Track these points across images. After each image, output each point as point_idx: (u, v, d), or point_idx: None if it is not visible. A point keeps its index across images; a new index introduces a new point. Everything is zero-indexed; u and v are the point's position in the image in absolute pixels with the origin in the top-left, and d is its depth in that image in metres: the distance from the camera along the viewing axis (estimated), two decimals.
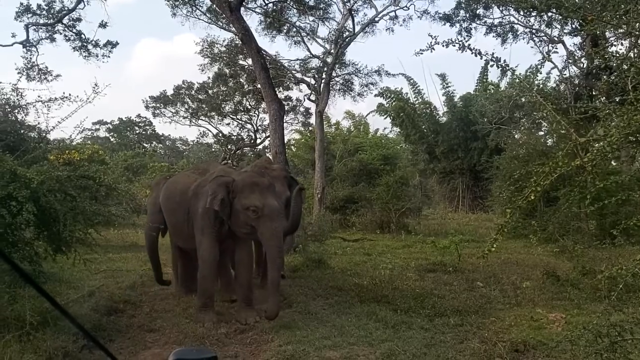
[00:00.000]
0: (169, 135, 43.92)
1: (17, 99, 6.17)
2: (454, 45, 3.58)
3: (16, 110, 6.16)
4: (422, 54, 3.85)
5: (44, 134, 6.30)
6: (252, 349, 5.57)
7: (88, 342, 5.20)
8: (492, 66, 3.78)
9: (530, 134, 17.26)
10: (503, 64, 3.73)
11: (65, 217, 5.38)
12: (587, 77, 14.56)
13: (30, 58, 15.98)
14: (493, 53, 3.66)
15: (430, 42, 3.66)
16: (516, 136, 19.08)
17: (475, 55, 3.58)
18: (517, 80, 13.03)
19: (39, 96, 6.04)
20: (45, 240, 5.71)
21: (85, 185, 6.07)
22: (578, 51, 15.19)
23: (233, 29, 15.37)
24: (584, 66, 14.69)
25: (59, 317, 5.43)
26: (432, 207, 24.86)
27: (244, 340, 5.82)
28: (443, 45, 3.62)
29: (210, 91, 28.86)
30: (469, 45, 3.62)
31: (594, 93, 13.86)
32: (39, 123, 6.24)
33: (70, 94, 6.20)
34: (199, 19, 19.37)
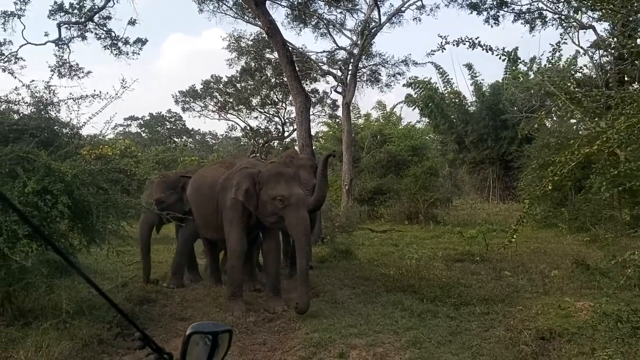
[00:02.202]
0: (199, 129, 44.43)
1: (50, 97, 6.34)
2: (464, 44, 3.60)
3: (49, 107, 6.34)
4: (433, 54, 3.90)
5: (76, 130, 6.47)
6: (280, 336, 5.69)
7: (122, 329, 5.41)
8: (503, 60, 3.76)
9: (561, 122, 16.92)
10: (513, 57, 3.74)
11: (98, 209, 5.53)
12: (616, 63, 14.18)
13: (63, 56, 16.43)
14: (504, 48, 3.68)
15: (441, 43, 3.71)
16: (547, 124, 18.72)
17: (487, 52, 3.60)
18: (538, 68, 12.77)
19: (70, 93, 6.18)
20: (80, 233, 5.87)
21: (117, 179, 6.22)
22: (608, 37, 14.77)
23: (259, 22, 15.47)
24: (601, 52, 14.31)
25: (93, 306, 5.66)
26: (462, 197, 24.64)
27: (272, 328, 5.95)
28: (453, 45, 3.65)
29: (238, 85, 29.13)
30: (479, 42, 3.63)
31: (625, 79, 13.50)
32: (71, 120, 6.41)
33: (100, 92, 6.35)
34: (226, 13, 19.54)
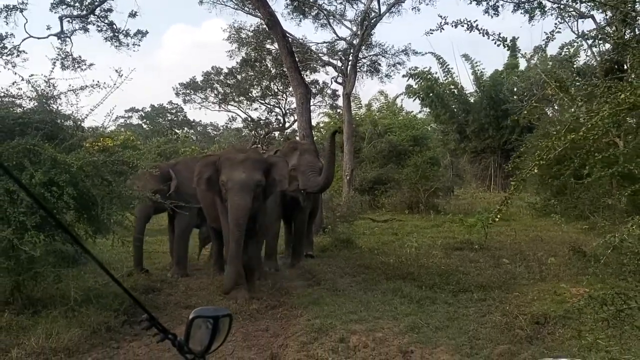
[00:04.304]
0: (200, 121, 44.62)
1: (50, 90, 6.42)
2: (462, 26, 3.69)
3: (51, 101, 6.42)
4: (431, 34, 3.96)
5: (79, 123, 6.58)
6: (282, 323, 5.83)
7: (129, 317, 5.56)
8: (498, 46, 3.83)
9: (562, 111, 16.92)
10: (509, 44, 3.81)
11: (103, 200, 5.66)
12: (613, 52, 14.18)
13: (65, 49, 16.51)
14: (500, 33, 3.75)
15: (440, 23, 3.78)
16: (549, 113, 18.72)
17: (483, 35, 3.67)
18: (541, 57, 12.77)
19: (70, 85, 6.26)
20: (85, 223, 6.01)
21: (120, 171, 6.33)
22: (604, 26, 14.76)
23: (259, 14, 15.51)
24: (591, 42, 14.30)
25: (101, 294, 5.80)
26: (463, 186, 24.76)
27: (274, 315, 6.09)
28: (452, 26, 3.73)
29: (238, 76, 29.14)
30: (477, 25, 3.71)
31: (625, 67, 13.51)
32: (73, 112, 6.50)
33: (98, 82, 6.41)
34: (226, 5, 19.55)
